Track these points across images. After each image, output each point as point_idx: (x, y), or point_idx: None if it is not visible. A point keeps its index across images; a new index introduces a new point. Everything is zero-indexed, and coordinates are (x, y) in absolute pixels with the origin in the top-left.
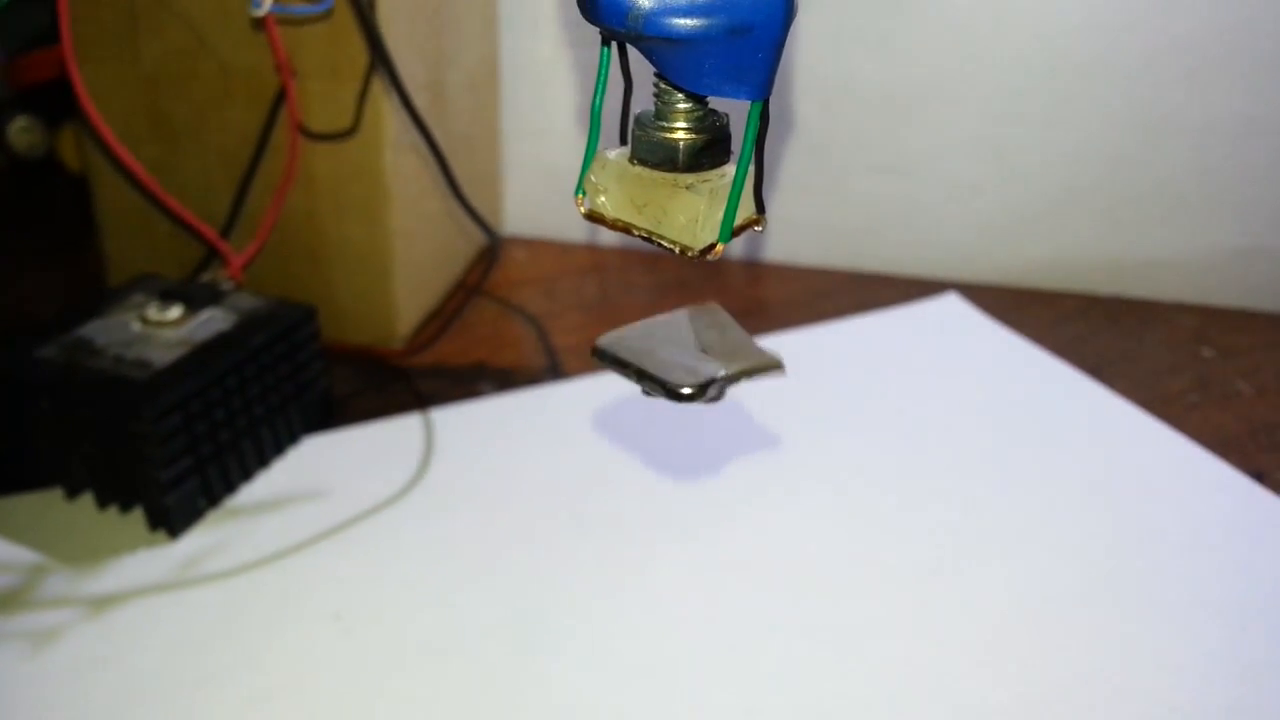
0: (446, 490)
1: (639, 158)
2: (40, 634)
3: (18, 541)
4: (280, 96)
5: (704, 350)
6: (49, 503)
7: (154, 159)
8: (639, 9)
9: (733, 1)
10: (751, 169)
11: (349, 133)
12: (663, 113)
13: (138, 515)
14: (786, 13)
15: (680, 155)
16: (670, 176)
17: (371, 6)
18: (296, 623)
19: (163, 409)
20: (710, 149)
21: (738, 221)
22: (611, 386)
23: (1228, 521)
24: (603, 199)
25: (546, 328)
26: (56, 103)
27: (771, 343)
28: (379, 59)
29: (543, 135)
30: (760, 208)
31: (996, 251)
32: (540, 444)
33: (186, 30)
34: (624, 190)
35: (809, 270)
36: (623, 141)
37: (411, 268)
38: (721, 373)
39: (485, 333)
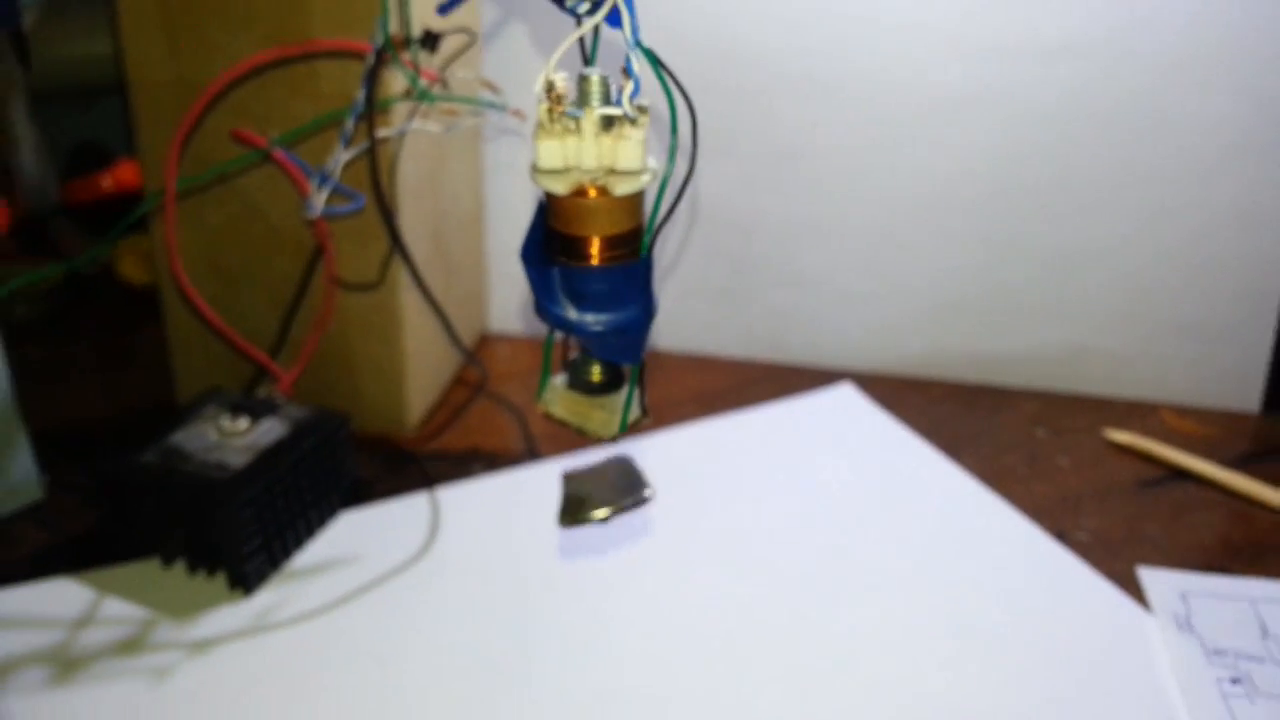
0: (452, 553)
1: (573, 387)
2: (152, 671)
3: (128, 599)
4: (318, 251)
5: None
6: (149, 570)
7: (214, 296)
8: (569, 320)
9: (617, 318)
10: (636, 390)
11: (374, 285)
12: (586, 363)
13: (220, 579)
14: (646, 323)
15: (595, 388)
16: (591, 399)
17: (391, 208)
18: (345, 660)
19: (241, 503)
20: (612, 383)
21: (630, 420)
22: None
23: (1027, 570)
24: (553, 406)
25: (525, 416)
26: (106, 219)
27: (695, 431)
28: (396, 245)
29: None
30: (644, 411)
31: (881, 348)
32: (524, 514)
33: (243, 200)
34: (565, 404)
35: (738, 363)
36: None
37: (418, 374)
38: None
39: (477, 422)
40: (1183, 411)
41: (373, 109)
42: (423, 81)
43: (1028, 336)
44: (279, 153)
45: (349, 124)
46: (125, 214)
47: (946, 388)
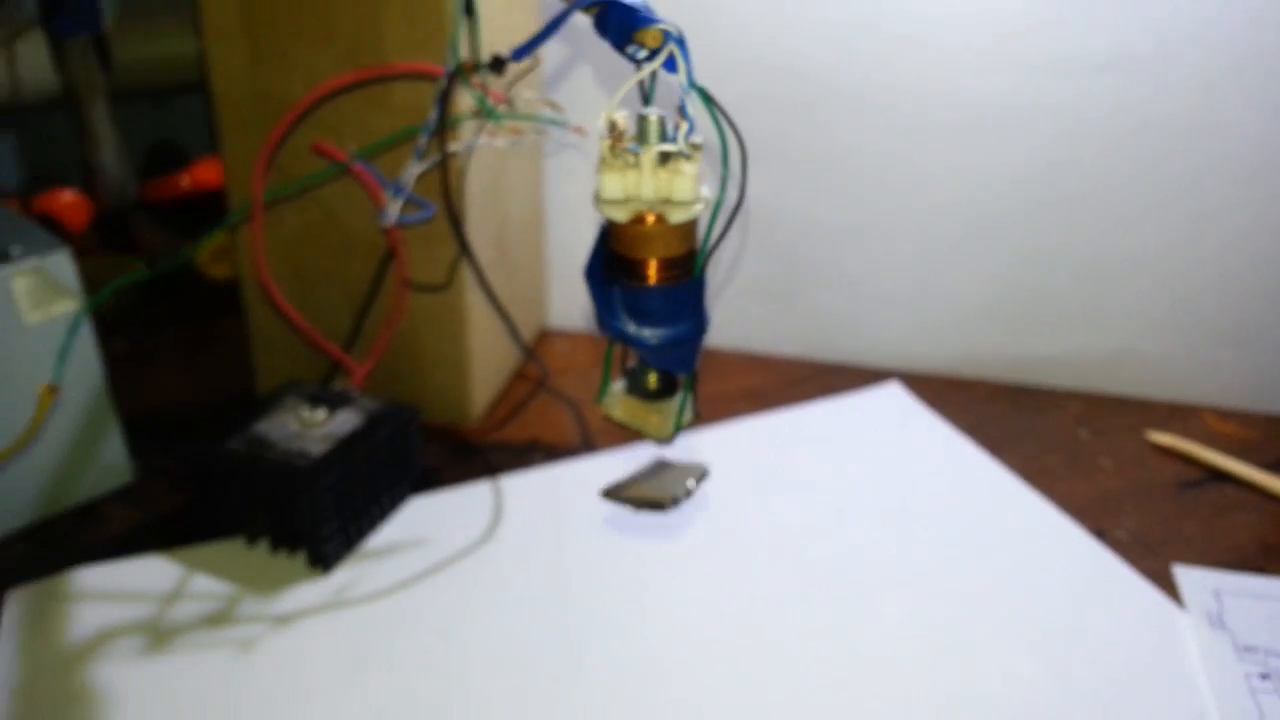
0: (514, 539)
1: (631, 392)
2: (238, 643)
3: (215, 576)
4: (389, 254)
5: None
6: (235, 549)
7: (292, 295)
8: (629, 334)
9: (671, 333)
10: (689, 397)
11: (443, 287)
12: (643, 372)
13: (300, 558)
14: (698, 337)
15: (651, 394)
16: (647, 404)
17: (460, 217)
18: (415, 634)
19: (321, 489)
20: (666, 390)
21: (684, 424)
22: (630, 458)
23: (1066, 567)
24: (613, 410)
25: (581, 410)
26: (184, 215)
27: (747, 426)
28: (464, 251)
29: (577, 253)
30: (695, 415)
31: (926, 349)
32: (581, 503)
33: (321, 208)
34: (624, 407)
35: (786, 361)
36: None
37: (481, 367)
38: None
39: (536, 415)
40: (1224, 414)
41: (445, 127)
42: (490, 102)
43: (1071, 340)
44: (358, 165)
45: (422, 140)
46: (205, 212)
47: (991, 388)
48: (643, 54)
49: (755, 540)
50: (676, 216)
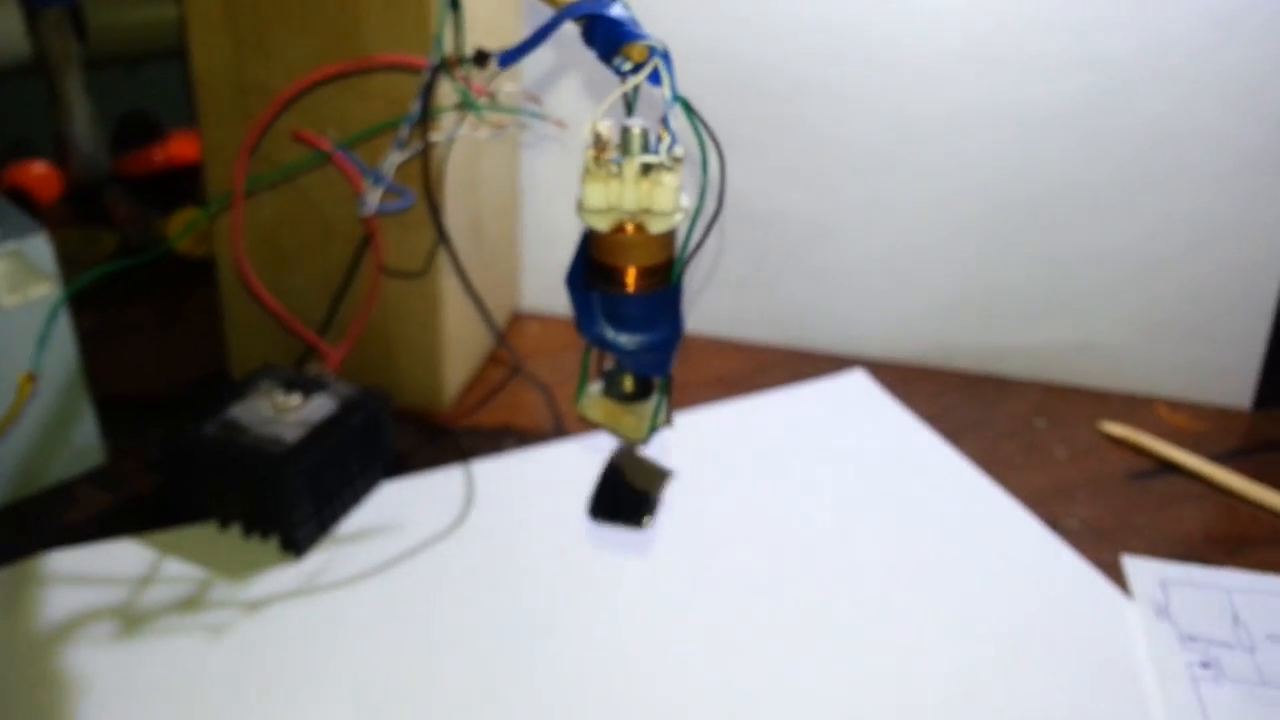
0: (486, 524)
1: (608, 394)
2: (210, 628)
3: (187, 560)
4: (366, 240)
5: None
6: (207, 532)
7: (268, 278)
8: (606, 339)
9: (648, 338)
10: (665, 399)
11: (420, 274)
12: (620, 374)
13: (273, 542)
14: (674, 342)
15: (627, 396)
16: (623, 405)
17: (439, 207)
18: (386, 619)
19: (295, 475)
20: (642, 392)
21: (658, 425)
22: (600, 445)
23: (1018, 555)
24: (589, 410)
25: (553, 394)
26: (158, 189)
27: (714, 412)
28: (444, 242)
29: (551, 237)
30: (669, 418)
31: (894, 337)
32: (551, 489)
33: (298, 193)
34: (600, 408)
35: (757, 347)
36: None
37: (454, 353)
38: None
39: (509, 400)
40: (1177, 406)
41: (428, 118)
42: (473, 95)
43: (1033, 331)
44: (338, 154)
45: (404, 130)
46: (179, 187)
47: (954, 376)
48: (628, 66)
49: (719, 525)
50: (656, 226)
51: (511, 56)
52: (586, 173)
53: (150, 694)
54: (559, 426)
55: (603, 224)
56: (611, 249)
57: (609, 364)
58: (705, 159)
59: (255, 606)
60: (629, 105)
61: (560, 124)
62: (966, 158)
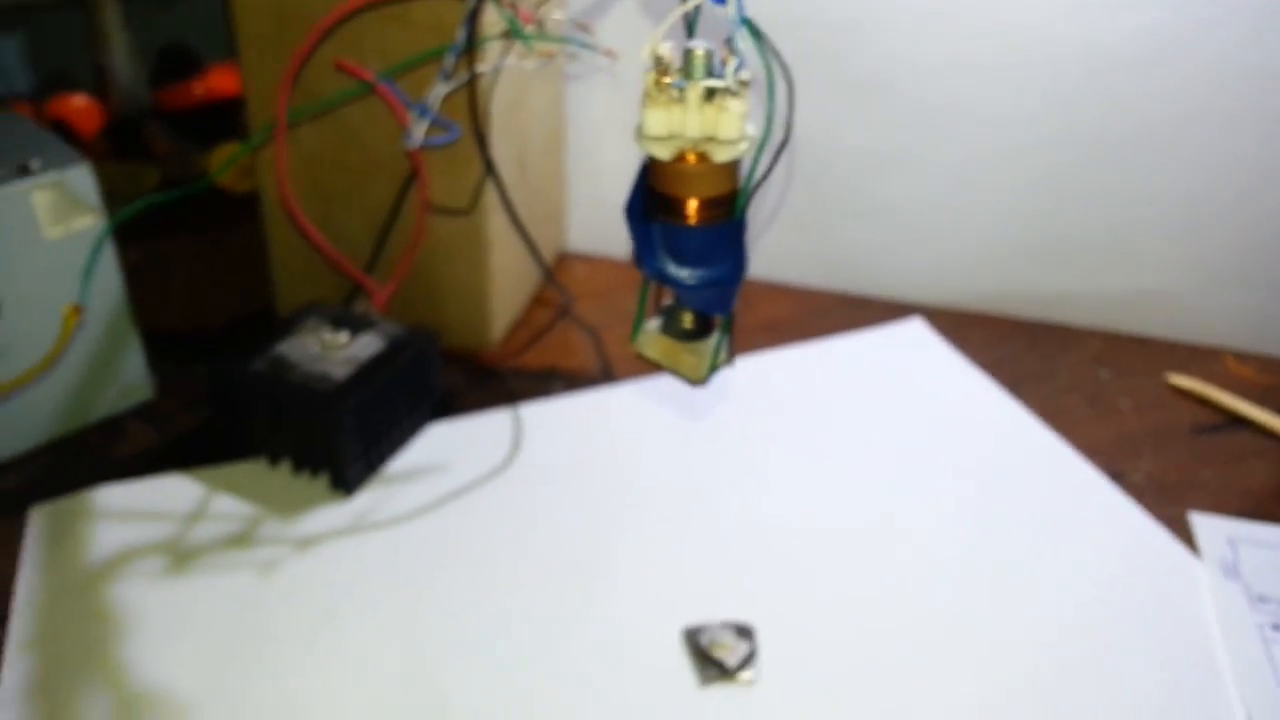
0: (533, 467)
1: (666, 331)
2: (261, 564)
3: (239, 497)
4: (410, 176)
5: None
6: (257, 469)
7: (314, 214)
8: (666, 273)
9: (710, 274)
10: (725, 338)
11: (466, 211)
12: (679, 311)
13: (322, 480)
14: (737, 279)
15: (687, 335)
16: (682, 343)
17: (486, 139)
18: (436, 559)
19: (345, 411)
20: (702, 331)
21: (719, 365)
22: (649, 390)
23: (1082, 510)
24: (646, 348)
25: (601, 337)
26: (197, 122)
27: (767, 359)
28: (492, 176)
29: (598, 175)
30: (729, 357)
31: (952, 283)
32: (600, 433)
33: (341, 126)
34: (657, 346)
35: (811, 292)
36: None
37: (501, 292)
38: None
39: (556, 341)
40: (1245, 358)
41: (473, 48)
42: (520, 23)
43: (1096, 277)
44: (383, 85)
45: (449, 60)
46: (220, 120)
47: (1013, 324)
48: None
49: (773, 476)
50: (721, 155)
51: None
52: (646, 97)
53: (202, 629)
54: (607, 370)
55: (664, 152)
56: (673, 179)
57: (668, 300)
58: (772, 84)
59: (305, 544)
60: (690, 26)
61: (610, 54)
62: (1029, 95)
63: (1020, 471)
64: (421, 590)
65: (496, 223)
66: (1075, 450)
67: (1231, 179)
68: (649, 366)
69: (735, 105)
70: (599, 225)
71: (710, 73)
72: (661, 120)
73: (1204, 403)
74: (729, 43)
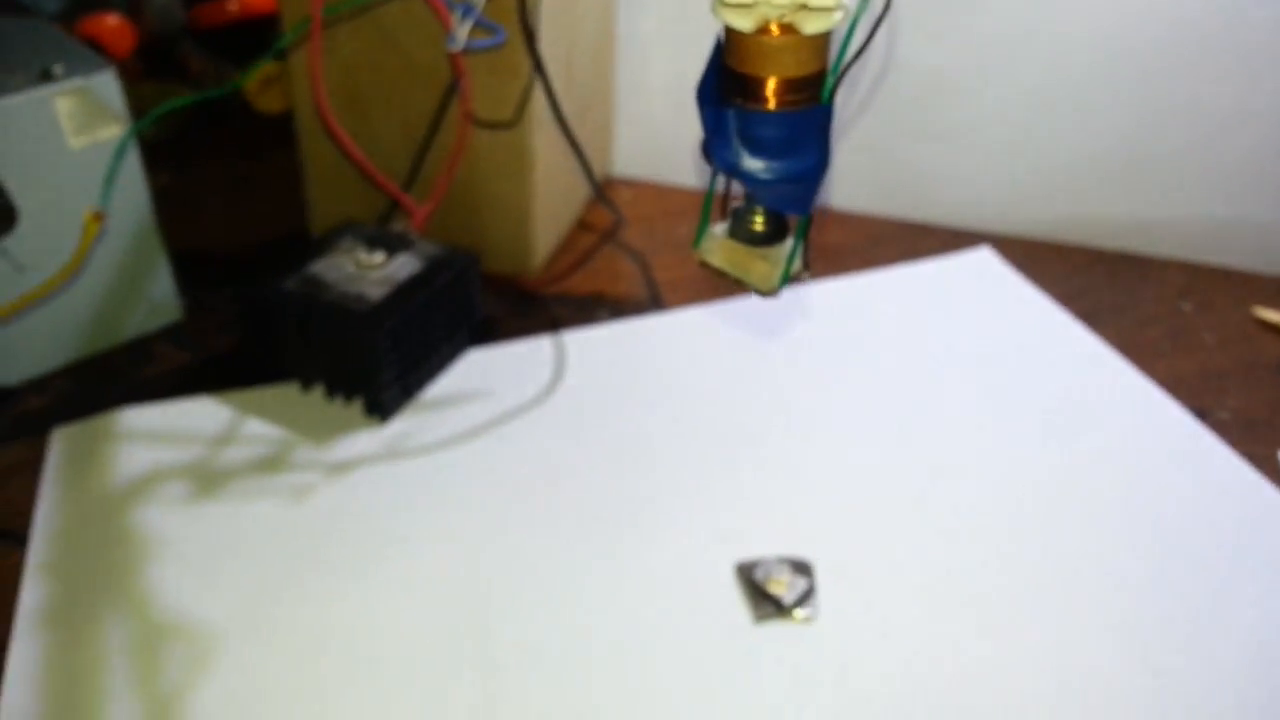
0: (577, 396)
1: (734, 235)
2: (295, 489)
3: (268, 420)
4: (453, 85)
5: None
6: (289, 393)
7: (349, 127)
8: (740, 166)
9: (790, 166)
10: (801, 243)
11: (510, 124)
12: (750, 212)
13: (356, 405)
14: (820, 174)
15: (758, 238)
16: (752, 249)
17: (534, 40)
18: (471, 485)
19: (381, 333)
20: (775, 234)
21: (792, 274)
22: (699, 319)
23: (1165, 447)
24: (712, 256)
25: (648, 263)
26: (232, 41)
27: (827, 288)
28: (539, 74)
29: (647, 93)
30: (806, 265)
31: (1022, 209)
32: (646, 363)
33: (379, 30)
34: (724, 253)
35: (868, 218)
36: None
37: (545, 213)
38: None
39: (601, 267)
40: None
41: None
42: None
43: (1178, 204)
44: None
45: None
46: (255, 39)
47: (1087, 254)
48: None
49: (830, 408)
50: (811, 26)
51: None
52: None
53: (230, 557)
54: (654, 297)
55: (745, 22)
56: (753, 54)
57: (737, 202)
58: None
59: (338, 469)
60: None
61: None
62: (1111, 10)
63: (1099, 408)
64: (460, 521)
65: (542, 137)
66: (1157, 386)
67: None
68: (699, 295)
69: None
70: (646, 148)
71: None
72: None
73: None
74: None
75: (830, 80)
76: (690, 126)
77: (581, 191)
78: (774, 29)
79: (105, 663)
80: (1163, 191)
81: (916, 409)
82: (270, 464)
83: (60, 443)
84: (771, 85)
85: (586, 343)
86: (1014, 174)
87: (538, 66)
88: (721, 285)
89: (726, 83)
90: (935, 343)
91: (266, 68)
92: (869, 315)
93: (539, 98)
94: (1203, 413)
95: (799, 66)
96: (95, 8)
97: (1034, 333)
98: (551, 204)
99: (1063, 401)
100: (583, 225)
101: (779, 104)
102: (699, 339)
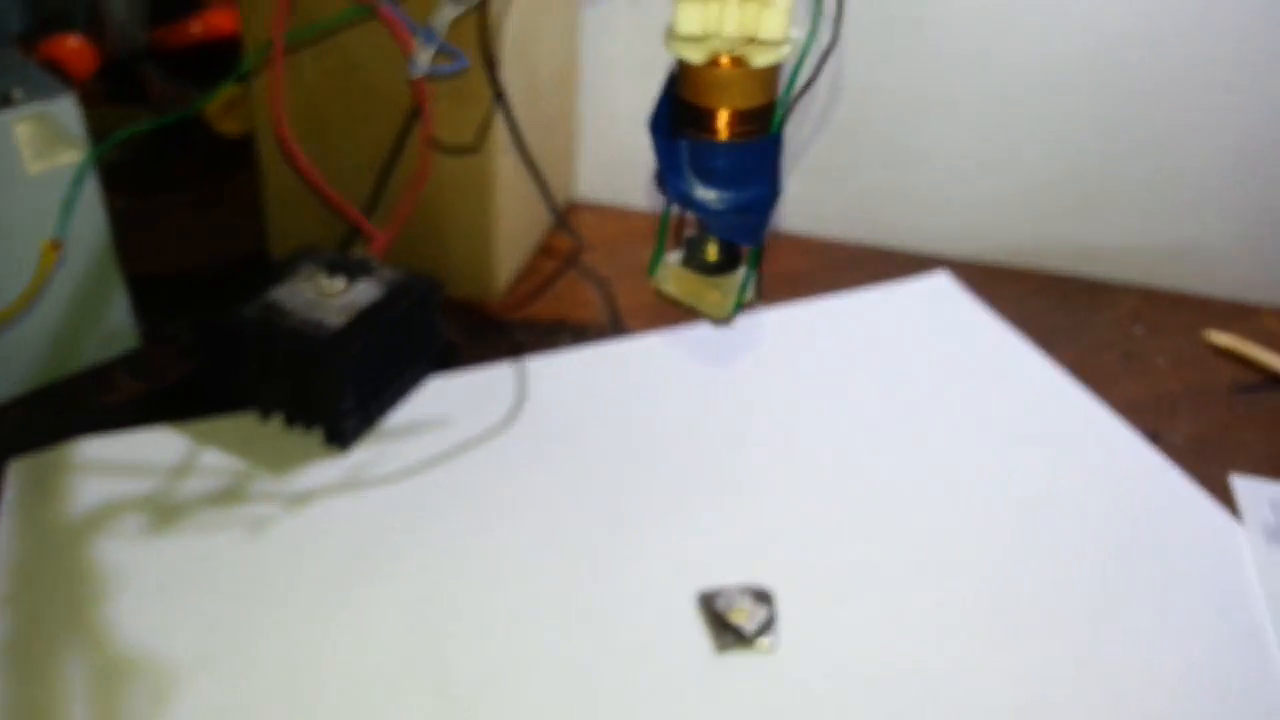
0: (539, 423)
1: (688, 264)
2: (254, 520)
3: (228, 451)
4: (414, 110)
5: None
6: (247, 422)
7: (310, 152)
8: (692, 196)
9: (741, 197)
10: (754, 272)
11: (472, 149)
12: (703, 242)
13: (316, 434)
14: (771, 203)
15: (711, 268)
16: (706, 278)
17: (496, 66)
18: (433, 515)
19: (341, 361)
20: (728, 263)
21: (745, 303)
22: (660, 345)
23: (1118, 471)
24: (666, 284)
25: (611, 289)
26: (195, 64)
27: (787, 313)
28: (500, 100)
29: (610, 117)
30: (758, 294)
31: (979, 234)
32: (608, 389)
33: (341, 55)
34: (678, 282)
35: (829, 243)
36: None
37: (506, 238)
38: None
39: (563, 292)
40: None
41: None
42: None
43: (1131, 230)
44: (385, 8)
45: None
46: (218, 62)
47: (1042, 278)
48: None
49: (789, 433)
50: (760, 59)
51: None
52: None
53: (189, 590)
54: (616, 322)
55: (697, 55)
56: (704, 86)
57: (691, 231)
58: None
59: (298, 501)
60: None
61: None
62: (1072, 35)
63: (1053, 431)
64: (420, 550)
65: (504, 163)
66: (1111, 409)
67: (1276, 127)
68: (661, 320)
69: (781, 0)
70: (609, 173)
71: None
72: (697, 16)
73: (1242, 361)
74: None
75: (780, 111)
76: (649, 151)
77: (544, 215)
78: (724, 62)
79: (67, 697)
80: (1115, 217)
81: (872, 434)
82: (229, 495)
83: (17, 474)
84: (723, 117)
85: (548, 369)
86: (969, 199)
87: (498, 93)
88: (680, 312)
89: (679, 114)
90: (892, 367)
91: (229, 91)
92: (828, 339)
93: (501, 123)
94: (1156, 436)
95: (748, 98)
96: (57, 29)
97: (990, 356)
98: (513, 228)
99: (1017, 426)
100: (544, 250)
101: (730, 134)
102: (659, 365)
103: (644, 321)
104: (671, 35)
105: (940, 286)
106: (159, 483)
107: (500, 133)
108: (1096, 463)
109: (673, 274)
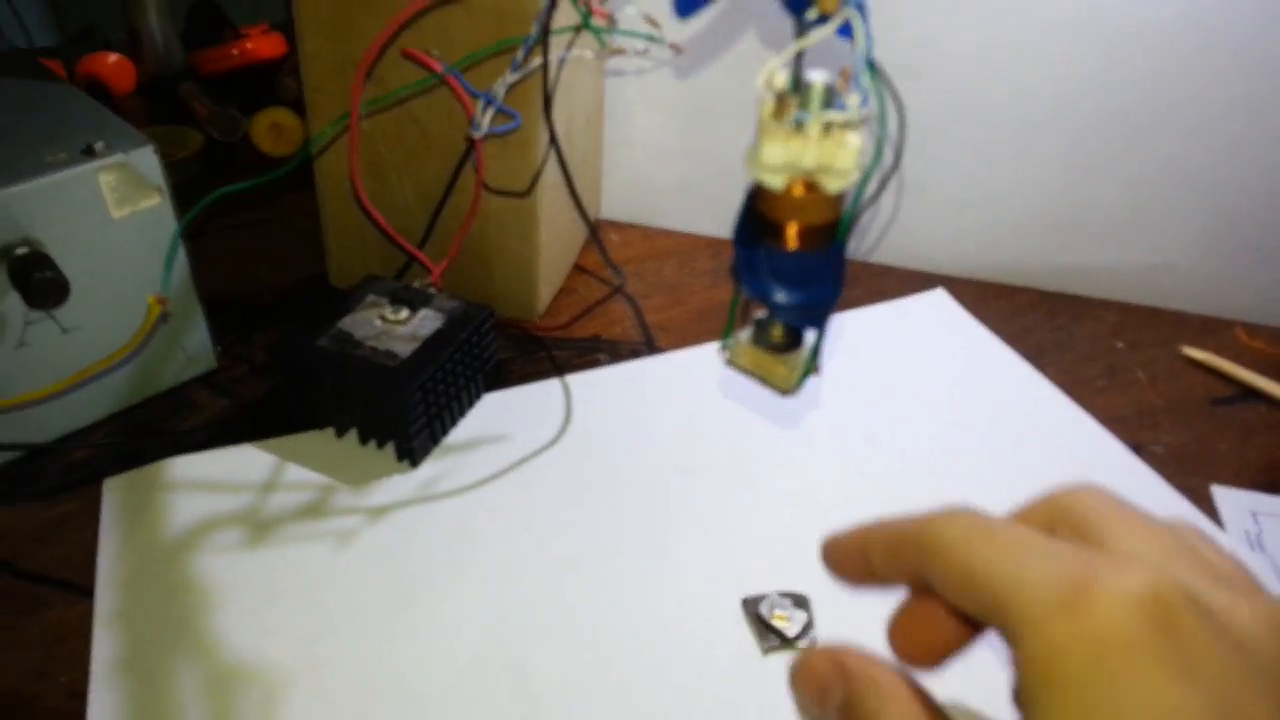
0: (586, 437)
1: (756, 342)
2: (337, 533)
3: (310, 467)
4: (465, 153)
5: None
6: (325, 439)
7: (369, 189)
8: (765, 294)
9: (809, 294)
10: (814, 353)
11: (524, 193)
12: (771, 324)
13: (388, 450)
14: (833, 300)
15: (778, 347)
16: (774, 355)
17: (554, 128)
18: (502, 526)
19: (412, 389)
20: (793, 343)
21: (809, 374)
22: (692, 362)
23: (1107, 482)
24: (738, 358)
25: (640, 305)
26: (235, 85)
27: None
28: (556, 150)
29: (629, 147)
30: (818, 367)
31: (973, 254)
32: (646, 404)
33: (400, 110)
34: (747, 356)
35: None
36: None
37: (548, 264)
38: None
39: (597, 310)
40: (1255, 330)
41: (548, 40)
42: (595, 19)
43: (1112, 251)
44: (451, 76)
45: (520, 52)
46: (257, 83)
47: (1031, 295)
48: (813, 13)
49: (801, 444)
50: (833, 185)
51: (689, 6)
52: (763, 128)
53: (287, 601)
54: (649, 338)
55: (778, 182)
56: (781, 206)
57: (760, 313)
58: (884, 113)
59: (378, 513)
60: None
61: (677, 49)
62: (1055, 74)
63: (1045, 443)
64: (490, 557)
65: (546, 199)
66: (1096, 421)
67: (1246, 157)
68: (689, 337)
69: (854, 139)
70: (629, 195)
71: (828, 104)
72: (780, 152)
73: (1216, 374)
74: (852, 77)
75: (844, 224)
76: (666, 174)
77: (579, 238)
78: (798, 188)
79: (183, 708)
80: (1100, 238)
81: (877, 443)
82: (314, 509)
83: (112, 492)
84: (792, 229)
85: (589, 385)
86: (964, 222)
87: (559, 157)
88: (708, 328)
89: (755, 223)
90: (894, 381)
91: (274, 113)
92: (838, 352)
93: (557, 170)
94: (1138, 447)
95: (820, 216)
96: (92, 45)
97: (985, 370)
98: (553, 255)
99: (1012, 437)
100: (577, 268)
101: (799, 245)
102: (689, 381)
103: (674, 337)
104: (758, 165)
105: (937, 302)
106: (248, 498)
107: (545, 174)
108: (1086, 472)
109: (742, 350)
